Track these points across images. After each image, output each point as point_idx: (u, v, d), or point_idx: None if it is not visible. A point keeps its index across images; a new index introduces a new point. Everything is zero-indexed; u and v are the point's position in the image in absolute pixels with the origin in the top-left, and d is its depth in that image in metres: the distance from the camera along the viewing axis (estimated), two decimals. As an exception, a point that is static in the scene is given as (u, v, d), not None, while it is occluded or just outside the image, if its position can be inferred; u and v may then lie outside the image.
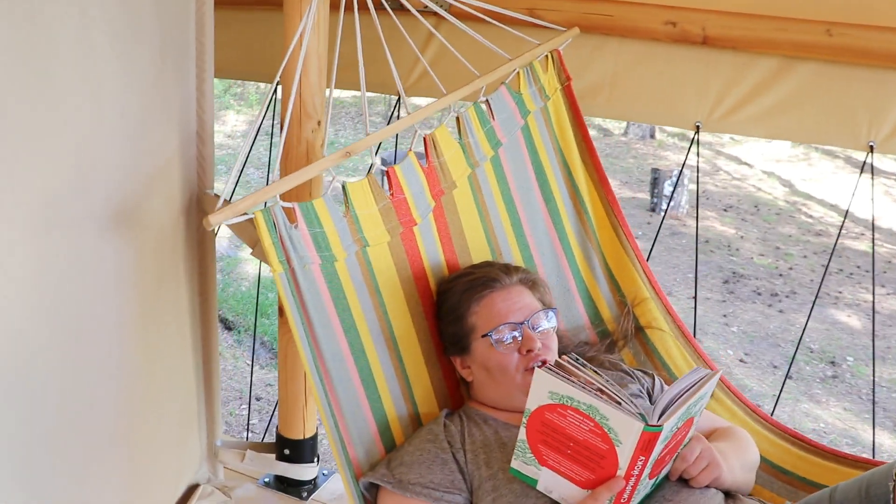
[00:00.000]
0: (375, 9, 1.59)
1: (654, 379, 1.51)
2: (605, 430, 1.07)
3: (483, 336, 1.39)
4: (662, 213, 6.99)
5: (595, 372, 1.10)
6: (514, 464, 1.21)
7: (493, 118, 1.67)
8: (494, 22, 1.84)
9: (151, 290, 1.58)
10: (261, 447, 2.09)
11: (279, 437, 2.00)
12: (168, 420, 1.79)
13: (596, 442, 1.09)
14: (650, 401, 1.47)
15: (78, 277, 1.35)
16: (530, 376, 1.31)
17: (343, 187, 1.41)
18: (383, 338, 1.44)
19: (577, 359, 1.12)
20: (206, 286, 1.90)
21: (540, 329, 1.40)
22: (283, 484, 2.04)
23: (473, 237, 1.62)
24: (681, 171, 2.54)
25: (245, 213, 1.31)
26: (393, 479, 1.28)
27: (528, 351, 1.36)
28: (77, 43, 1.27)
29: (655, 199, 7.17)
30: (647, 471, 1.09)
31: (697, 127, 2.01)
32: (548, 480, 1.17)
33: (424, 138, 1.55)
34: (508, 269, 1.46)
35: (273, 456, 2.02)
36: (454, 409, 1.49)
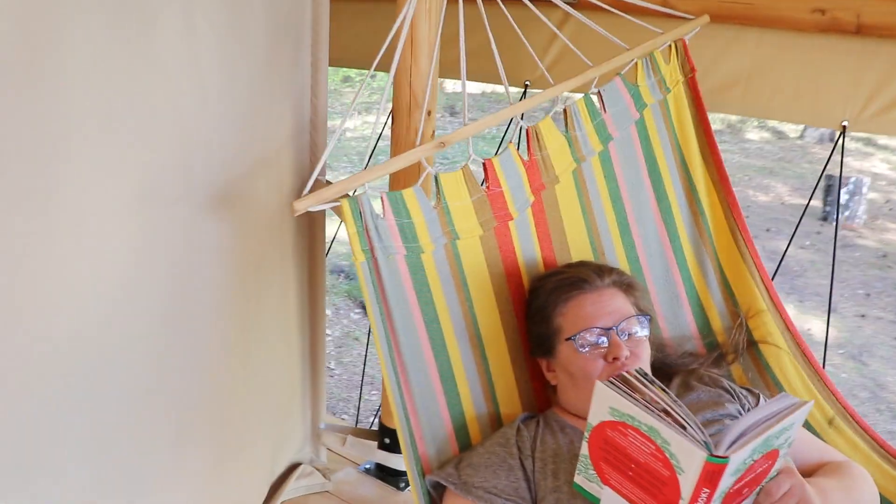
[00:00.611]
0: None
1: (759, 399, 1.37)
2: (667, 456, 0.98)
3: (567, 339, 1.32)
4: (835, 224, 6.47)
5: (663, 390, 1.00)
6: (578, 479, 1.14)
7: (605, 111, 1.59)
8: (616, 11, 1.74)
9: (252, 270, 1.64)
10: (363, 434, 2.12)
11: (381, 425, 2.02)
12: (268, 399, 1.85)
13: (657, 467, 1.00)
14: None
15: (177, 253, 1.42)
16: None
17: (436, 178, 1.39)
18: (467, 334, 1.41)
19: (645, 374, 1.03)
20: (314, 270, 1.95)
21: (630, 336, 1.32)
22: (383, 472, 2.05)
23: (574, 235, 1.55)
24: (827, 173, 2.23)
25: (333, 201, 1.32)
26: (458, 481, 1.25)
27: (615, 359, 1.27)
28: (181, 30, 1.33)
29: (828, 208, 6.61)
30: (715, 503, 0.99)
31: (844, 127, 1.82)
32: (610, 500, 1.09)
33: (527, 130, 1.50)
34: (601, 270, 1.38)
35: (374, 443, 2.04)
36: (540, 412, 1.43)
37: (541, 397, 1.48)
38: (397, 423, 1.29)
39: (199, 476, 1.62)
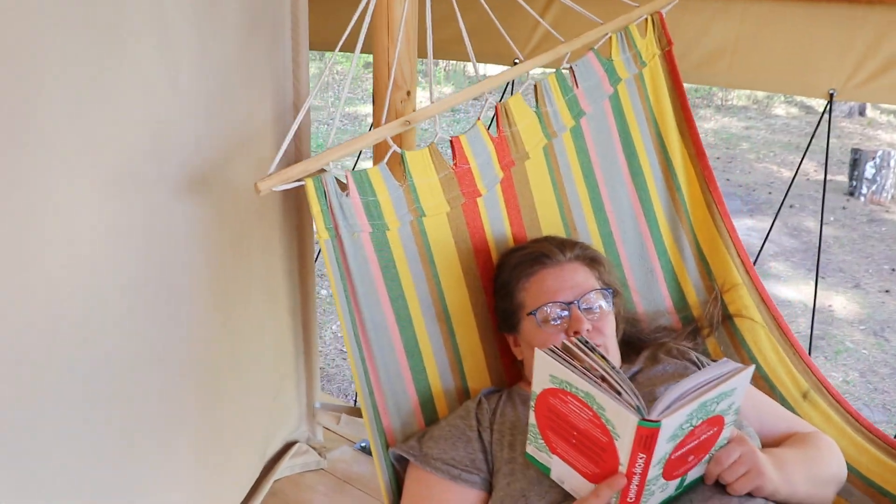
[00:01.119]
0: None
1: None
2: (603, 422, 0.99)
3: (529, 314, 1.33)
4: (862, 198, 6.33)
5: (602, 358, 1.01)
6: (529, 448, 1.15)
7: (577, 86, 1.58)
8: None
9: (233, 250, 1.67)
10: (357, 412, 2.16)
11: (374, 403, 2.04)
12: (259, 378, 1.89)
13: (596, 433, 1.00)
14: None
15: (153, 235, 1.46)
16: None
17: (402, 155, 1.40)
18: (434, 309, 1.42)
19: (587, 342, 1.03)
20: (303, 251, 1.99)
21: (592, 310, 1.32)
22: (378, 450, 2.09)
23: (545, 211, 1.55)
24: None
25: (297, 181, 1.34)
26: (419, 453, 1.26)
27: (576, 332, 1.27)
28: (151, 19, 1.36)
29: (854, 183, 6.48)
30: (655, 471, 0.99)
31: (831, 95, 1.78)
32: (559, 469, 1.10)
33: (496, 107, 1.50)
34: (564, 245, 1.38)
35: (366, 421, 2.08)
36: (509, 387, 1.44)
37: (510, 372, 1.49)
38: (360, 398, 1.31)
39: (186, 453, 1.66)
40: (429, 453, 1.25)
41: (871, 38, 1.74)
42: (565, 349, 1.04)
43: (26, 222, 1.24)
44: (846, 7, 1.76)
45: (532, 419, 1.11)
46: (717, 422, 1.03)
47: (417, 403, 1.39)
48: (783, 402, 1.49)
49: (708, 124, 7.95)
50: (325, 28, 2.02)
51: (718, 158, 6.87)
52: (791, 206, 5.85)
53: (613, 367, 0.99)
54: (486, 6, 1.54)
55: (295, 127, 1.40)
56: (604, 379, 0.99)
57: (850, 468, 1.42)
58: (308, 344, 2.09)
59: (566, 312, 1.30)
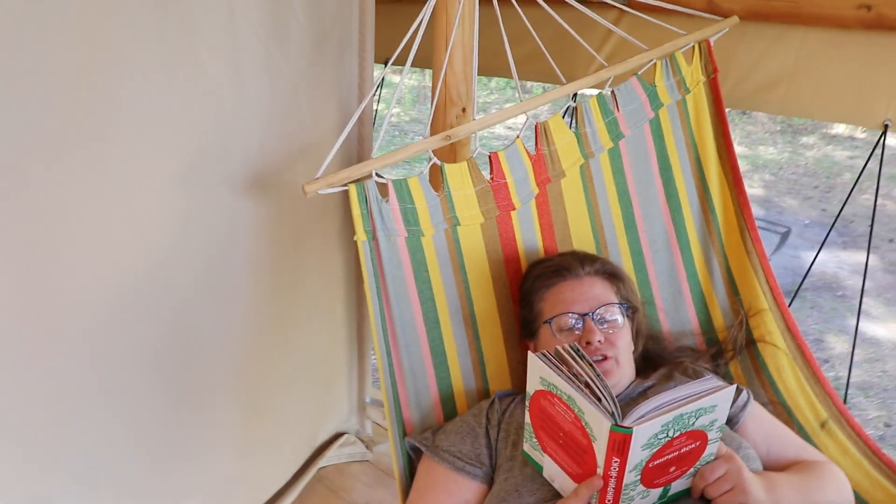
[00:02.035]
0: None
1: (741, 394, 1.39)
2: (584, 424, 1.05)
3: (545, 322, 1.40)
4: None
5: (590, 366, 1.07)
6: (525, 447, 1.23)
7: (618, 109, 1.64)
8: (634, 11, 1.79)
9: (291, 247, 1.82)
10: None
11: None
12: (311, 370, 2.03)
13: (578, 435, 1.07)
14: (724, 416, 1.37)
15: (216, 228, 1.62)
16: None
17: (441, 168, 1.51)
18: (461, 314, 1.51)
19: (578, 350, 1.10)
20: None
21: (606, 322, 1.38)
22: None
23: (578, 227, 1.62)
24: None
25: (341, 186, 1.46)
26: (431, 444, 1.36)
27: (588, 343, 1.34)
28: (223, 37, 1.52)
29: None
30: (632, 476, 1.05)
31: (886, 126, 1.76)
32: (550, 468, 1.17)
33: (536, 126, 1.58)
34: (585, 260, 1.44)
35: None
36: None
37: (531, 378, 1.56)
38: (383, 388, 1.42)
39: (234, 428, 1.82)
40: (439, 445, 1.35)
41: (931, 71, 1.72)
42: (557, 354, 1.11)
43: (105, 211, 1.42)
44: (906, 38, 1.74)
45: (527, 418, 1.19)
46: (698, 436, 1.08)
47: (438, 400, 1.49)
48: (800, 429, 1.50)
49: (810, 152, 7.67)
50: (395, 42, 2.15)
51: (817, 188, 6.62)
52: (892, 241, 5.58)
53: (598, 376, 1.06)
54: (562, 22, 1.63)
55: (345, 134, 1.51)
56: (587, 385, 1.06)
57: (861, 501, 1.41)
58: (361, 340, 2.22)
59: (581, 323, 1.37)
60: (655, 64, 1.68)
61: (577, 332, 1.37)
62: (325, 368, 2.10)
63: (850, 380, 4.06)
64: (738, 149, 7.99)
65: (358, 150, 2.01)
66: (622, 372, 1.36)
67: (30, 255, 1.34)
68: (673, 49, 1.69)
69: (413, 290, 1.48)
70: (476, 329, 1.53)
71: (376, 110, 3.93)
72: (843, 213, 6.15)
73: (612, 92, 1.64)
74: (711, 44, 1.72)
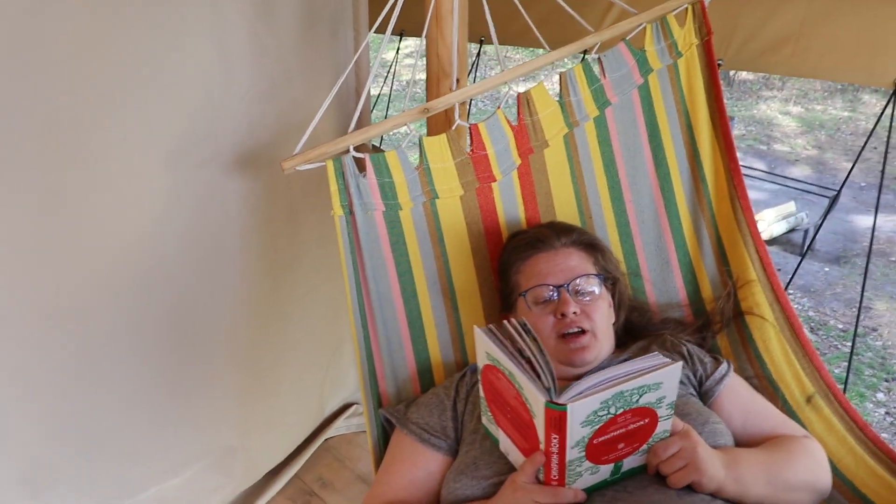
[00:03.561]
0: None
1: (721, 365, 1.35)
2: (524, 400, 1.05)
3: (521, 295, 1.39)
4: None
5: (535, 341, 1.06)
6: (483, 420, 1.23)
7: (605, 76, 1.60)
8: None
9: (284, 224, 1.85)
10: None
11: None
12: (313, 340, 2.07)
13: (521, 410, 1.07)
14: (698, 388, 1.34)
15: (206, 207, 1.66)
16: (564, 344, 1.31)
17: (419, 141, 1.50)
18: (440, 286, 1.52)
19: (524, 325, 1.09)
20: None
21: (582, 294, 1.36)
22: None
23: (562, 197, 1.59)
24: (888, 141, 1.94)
25: (319, 161, 1.47)
26: (402, 416, 1.37)
27: (563, 315, 1.32)
28: (208, 19, 1.54)
29: None
30: (575, 453, 1.04)
31: (896, 86, 1.68)
32: (504, 442, 1.18)
33: (518, 96, 1.56)
34: (561, 231, 1.42)
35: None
36: None
37: (512, 350, 1.56)
38: (357, 362, 1.44)
39: (237, 398, 1.88)
40: (409, 417, 1.36)
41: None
42: (501, 328, 1.11)
43: (95, 192, 1.47)
44: (920, -8, 1.64)
45: (481, 392, 1.19)
46: (646, 413, 1.06)
47: (415, 371, 1.50)
48: (785, 403, 1.46)
49: (871, 109, 7.31)
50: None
51: (875, 149, 6.32)
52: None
53: (542, 352, 1.05)
54: None
55: (322, 109, 1.52)
56: (529, 361, 1.05)
57: (843, 478, 1.37)
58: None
59: (555, 295, 1.35)
60: (646, 28, 1.62)
61: (552, 304, 1.35)
62: (331, 341, 2.14)
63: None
64: (792, 108, 7.68)
65: (358, 124, 2.01)
66: (600, 346, 1.34)
67: (23, 238, 1.40)
68: (664, 12, 1.63)
69: (390, 264, 1.49)
70: (455, 301, 1.53)
71: (391, 87, 3.89)
72: (903, 175, 5.87)
73: (599, 58, 1.60)
74: (706, 5, 1.65)
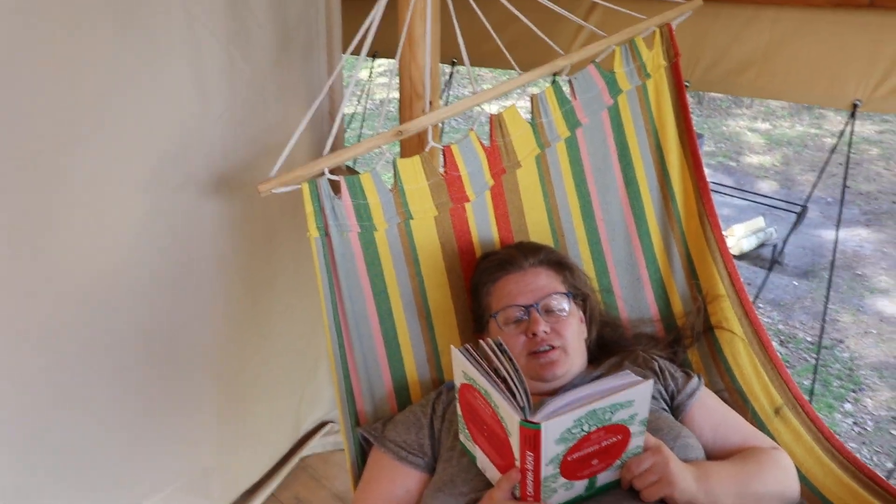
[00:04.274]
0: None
1: (692, 380, 1.39)
2: (500, 418, 1.07)
3: (492, 316, 1.41)
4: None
5: (510, 361, 1.09)
6: (461, 437, 1.25)
7: (575, 98, 1.64)
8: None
9: (263, 243, 1.86)
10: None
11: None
12: (290, 361, 2.08)
13: (497, 429, 1.09)
14: (669, 403, 1.37)
15: (181, 229, 1.67)
16: (534, 360, 1.33)
17: (393, 162, 1.52)
18: (415, 306, 1.53)
19: (500, 345, 1.12)
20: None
21: (553, 312, 1.38)
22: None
23: (534, 217, 1.62)
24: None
25: (295, 184, 1.49)
26: (379, 435, 1.39)
27: (534, 334, 1.35)
28: (182, 42, 1.55)
29: None
30: (550, 469, 1.06)
31: (855, 106, 1.73)
32: (482, 459, 1.19)
33: (490, 117, 1.59)
34: (528, 251, 1.45)
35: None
36: None
37: (487, 369, 1.58)
38: (335, 381, 1.45)
39: (212, 419, 1.87)
40: (387, 436, 1.38)
41: (900, 48, 1.68)
42: (478, 349, 1.13)
43: (71, 215, 1.48)
44: (876, 14, 1.70)
45: (458, 410, 1.21)
46: (618, 430, 1.09)
47: (392, 390, 1.51)
48: (754, 415, 1.49)
49: (836, 126, 7.49)
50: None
51: (841, 164, 6.47)
52: (917, 217, 5.44)
53: (517, 371, 1.07)
54: (521, 16, 1.63)
55: (299, 133, 1.54)
56: (504, 380, 1.07)
57: (811, 487, 1.41)
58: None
59: (525, 315, 1.38)
60: (615, 50, 1.67)
61: (522, 324, 1.38)
62: (307, 360, 2.14)
63: (866, 360, 3.99)
64: (761, 125, 7.84)
65: (333, 147, 2.03)
66: (571, 361, 1.37)
67: (-1, 259, 1.40)
68: (632, 34, 1.68)
69: (366, 284, 1.50)
70: (430, 320, 1.55)
71: (364, 106, 3.91)
72: (866, 189, 6.01)
73: (569, 80, 1.64)
74: (673, 28, 1.70)
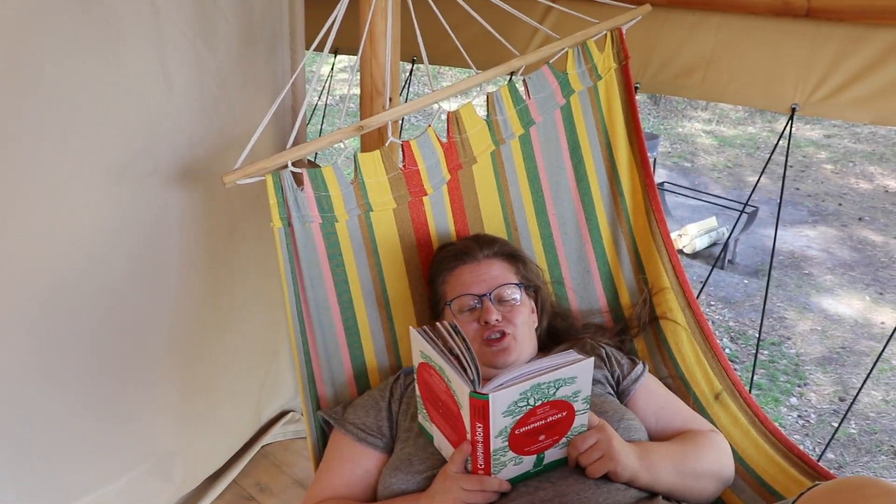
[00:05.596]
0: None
1: (637, 366, 1.47)
2: (452, 392, 1.13)
3: (447, 304, 1.47)
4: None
5: (463, 341, 1.15)
6: (419, 418, 1.31)
7: (529, 97, 1.71)
8: (550, 3, 1.84)
9: (224, 237, 1.89)
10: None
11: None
12: (251, 350, 2.11)
13: (450, 403, 1.15)
14: (615, 388, 1.45)
15: (146, 220, 1.69)
16: (487, 348, 1.40)
17: (354, 156, 1.57)
18: (374, 295, 1.59)
19: (455, 327, 1.18)
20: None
21: (504, 302, 1.45)
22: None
23: (489, 211, 1.69)
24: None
25: (259, 176, 1.53)
26: (339, 417, 1.44)
27: (486, 322, 1.41)
28: (148, 35, 1.58)
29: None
30: (498, 442, 1.12)
31: (793, 110, 1.83)
32: (438, 438, 1.25)
33: (448, 115, 1.65)
34: (484, 243, 1.51)
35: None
36: None
37: (443, 356, 1.64)
38: (297, 367, 1.50)
39: (174, 405, 1.90)
40: (347, 418, 1.43)
41: (835, 55, 1.78)
42: (434, 330, 1.19)
43: (37, 206, 1.50)
44: (812, 24, 1.80)
45: (416, 391, 1.27)
46: (563, 406, 1.16)
47: (352, 376, 1.57)
48: (696, 400, 1.58)
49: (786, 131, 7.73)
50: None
51: (791, 167, 6.69)
52: (861, 219, 5.65)
53: (469, 350, 1.14)
54: (480, 19, 1.69)
55: (262, 126, 1.57)
56: (457, 357, 1.13)
57: (746, 467, 1.50)
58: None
59: (479, 303, 1.44)
60: (567, 52, 1.74)
61: (476, 312, 1.44)
62: (268, 349, 2.18)
63: (811, 356, 4.14)
64: (715, 127, 8.03)
65: (296, 140, 2.07)
66: (521, 348, 1.43)
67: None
68: (584, 37, 1.75)
69: (328, 274, 1.55)
70: (389, 309, 1.60)
71: (325, 100, 3.97)
72: (814, 191, 6.23)
73: (524, 80, 1.70)
74: (624, 32, 1.78)
